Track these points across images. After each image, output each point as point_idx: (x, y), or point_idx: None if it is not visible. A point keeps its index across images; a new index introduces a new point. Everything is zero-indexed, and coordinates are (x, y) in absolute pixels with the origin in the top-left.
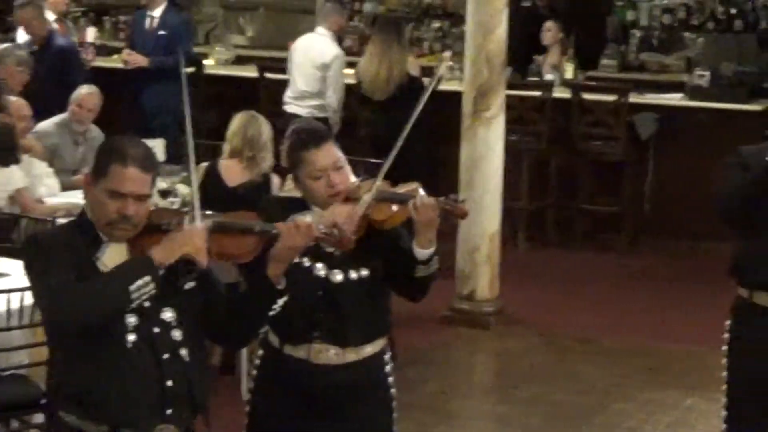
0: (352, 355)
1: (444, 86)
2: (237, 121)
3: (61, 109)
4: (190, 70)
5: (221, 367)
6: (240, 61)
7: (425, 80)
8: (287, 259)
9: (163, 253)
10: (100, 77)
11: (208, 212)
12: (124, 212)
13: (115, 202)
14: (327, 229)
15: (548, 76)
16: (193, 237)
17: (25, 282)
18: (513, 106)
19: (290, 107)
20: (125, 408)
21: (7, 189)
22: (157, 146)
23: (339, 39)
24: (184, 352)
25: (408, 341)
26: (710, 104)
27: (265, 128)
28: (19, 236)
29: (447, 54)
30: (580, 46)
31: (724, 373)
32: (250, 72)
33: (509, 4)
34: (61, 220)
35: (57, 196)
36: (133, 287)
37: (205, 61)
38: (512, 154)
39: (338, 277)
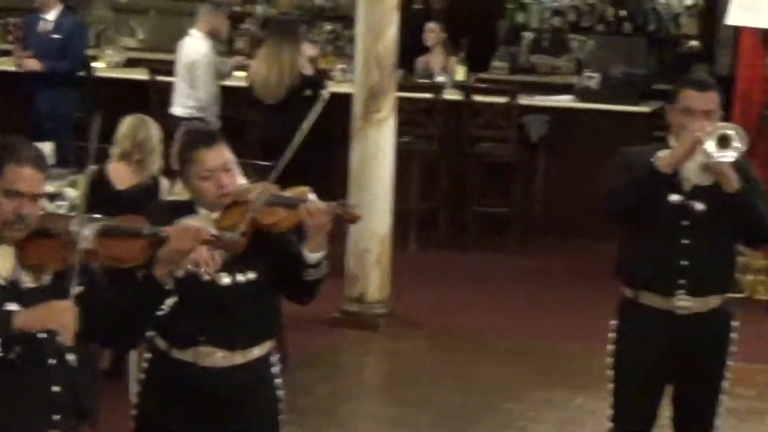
0: (239, 358)
1: (336, 88)
2: (126, 124)
3: None
4: (82, 73)
5: (109, 372)
6: (131, 63)
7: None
8: (175, 261)
9: (26, 320)
10: None
11: (96, 216)
12: (19, 212)
13: (11, 202)
14: (216, 231)
15: (439, 78)
16: (63, 314)
17: None
18: (404, 108)
19: (175, 109)
20: (12, 415)
21: None
22: (47, 149)
23: (230, 40)
24: (71, 357)
25: (298, 344)
26: (600, 106)
27: (154, 131)
28: None
29: (326, 93)
30: (472, 48)
31: (610, 372)
32: (141, 75)
33: (400, 6)
34: None
35: None
36: None
37: (95, 64)
38: (403, 155)
39: (225, 280)
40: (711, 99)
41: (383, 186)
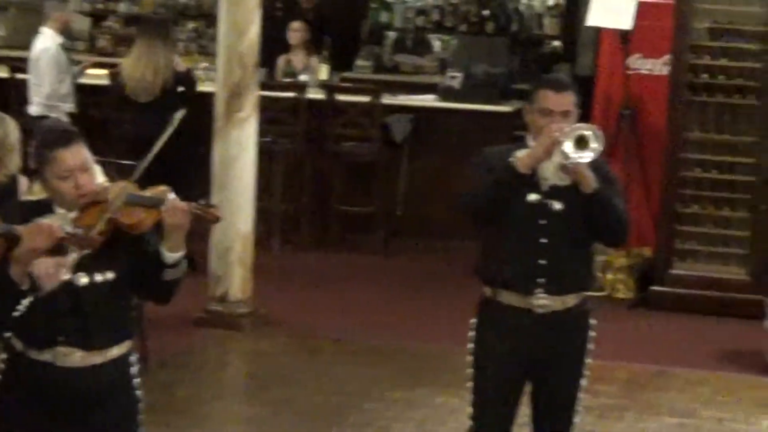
0: (97, 358)
1: (201, 87)
2: None
3: None
4: None
5: None
6: None
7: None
8: (29, 260)
9: None
10: None
11: None
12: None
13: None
14: (71, 230)
15: (302, 77)
16: None
17: None
18: (267, 107)
19: (30, 107)
20: None
21: None
22: None
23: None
24: None
25: (160, 344)
26: (462, 105)
27: (12, 129)
28: None
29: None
30: (335, 47)
31: (470, 371)
32: (1, 72)
33: (262, 5)
34: None
35: None
36: None
37: None
38: (266, 155)
39: (83, 280)
40: (568, 99)
41: (245, 185)
